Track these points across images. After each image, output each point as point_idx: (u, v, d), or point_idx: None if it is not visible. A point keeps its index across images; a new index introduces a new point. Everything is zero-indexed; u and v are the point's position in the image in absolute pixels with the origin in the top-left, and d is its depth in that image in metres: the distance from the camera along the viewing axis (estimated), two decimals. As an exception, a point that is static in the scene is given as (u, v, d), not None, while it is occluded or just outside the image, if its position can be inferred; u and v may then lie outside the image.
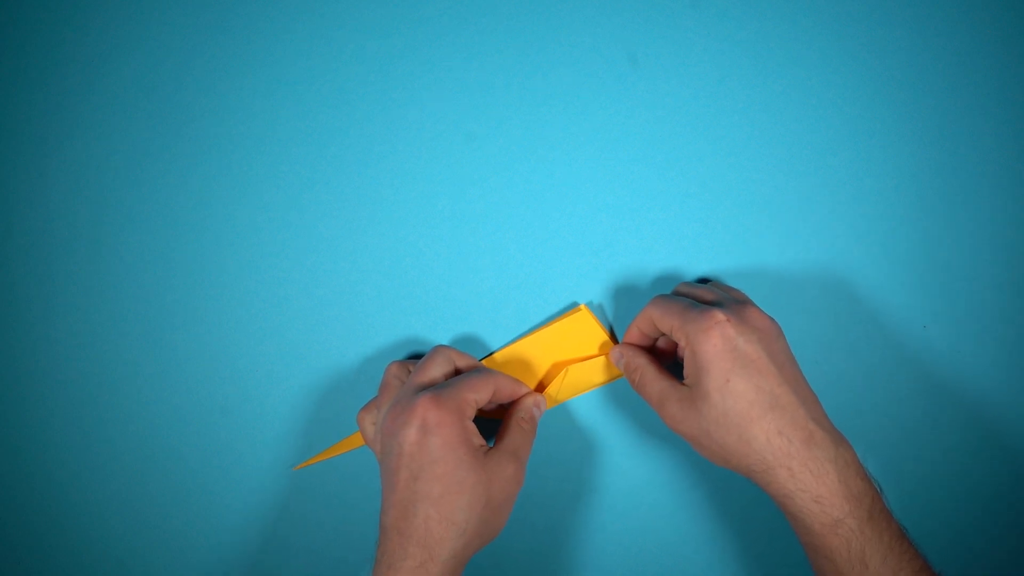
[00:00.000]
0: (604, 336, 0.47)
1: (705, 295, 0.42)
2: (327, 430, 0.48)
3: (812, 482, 0.36)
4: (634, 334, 0.45)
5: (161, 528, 0.48)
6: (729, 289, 0.45)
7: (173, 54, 0.48)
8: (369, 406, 0.44)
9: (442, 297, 0.48)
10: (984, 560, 0.47)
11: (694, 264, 0.48)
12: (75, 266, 0.48)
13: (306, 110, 0.48)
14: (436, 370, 0.42)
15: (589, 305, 0.47)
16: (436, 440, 0.38)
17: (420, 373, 0.42)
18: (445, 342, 0.48)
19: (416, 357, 0.48)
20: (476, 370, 0.43)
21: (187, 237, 0.48)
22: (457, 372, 0.44)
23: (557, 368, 0.47)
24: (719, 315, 0.38)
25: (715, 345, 0.38)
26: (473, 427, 0.40)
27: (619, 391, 0.48)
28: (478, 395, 0.41)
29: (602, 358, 0.47)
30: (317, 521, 0.48)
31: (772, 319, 0.40)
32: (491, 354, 0.48)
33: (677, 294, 0.44)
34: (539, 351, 0.47)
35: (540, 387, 0.47)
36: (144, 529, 0.48)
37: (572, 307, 0.47)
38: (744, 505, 0.47)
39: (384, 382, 0.44)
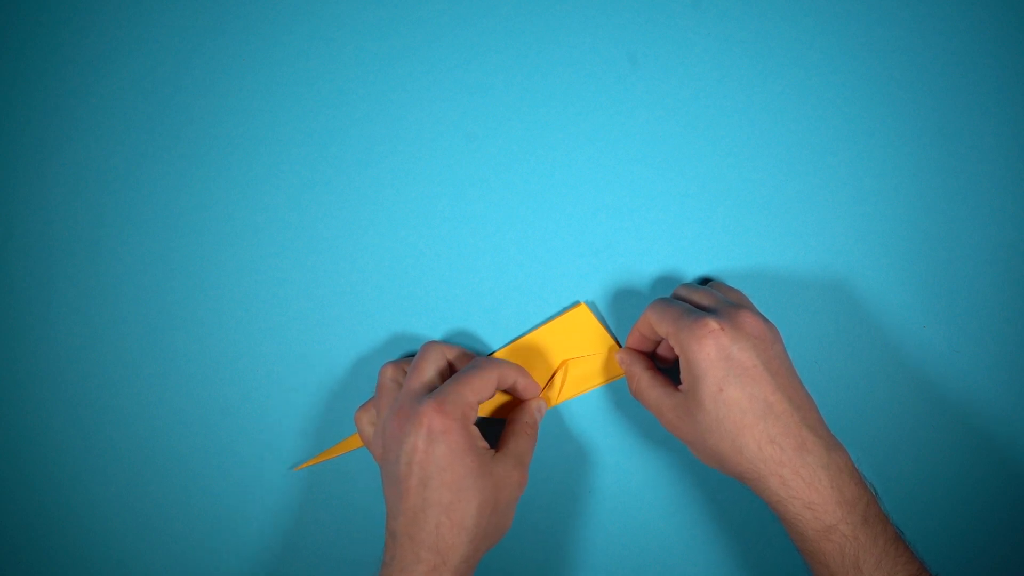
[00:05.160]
0: (603, 334, 0.47)
1: (702, 299, 0.42)
2: (328, 430, 0.48)
3: (804, 489, 0.36)
4: (636, 338, 0.45)
5: (161, 529, 0.48)
6: (728, 291, 0.45)
7: (172, 55, 0.48)
8: (367, 406, 0.44)
9: (442, 297, 0.48)
10: (983, 561, 0.47)
11: (694, 264, 0.48)
12: (75, 266, 0.48)
13: (306, 111, 0.48)
14: (431, 370, 0.42)
15: (589, 305, 0.47)
16: (442, 448, 0.38)
17: (415, 375, 0.42)
18: (446, 342, 0.48)
19: (410, 356, 0.48)
20: (475, 365, 0.42)
21: (187, 238, 0.48)
22: (450, 366, 0.44)
23: (557, 367, 0.47)
24: (712, 323, 0.38)
25: (708, 354, 0.38)
26: (476, 431, 0.40)
27: (618, 393, 0.48)
28: (481, 394, 0.41)
29: (602, 357, 0.47)
30: (318, 522, 0.48)
31: (768, 324, 0.40)
32: (488, 355, 0.48)
33: (676, 297, 0.44)
34: (538, 349, 0.47)
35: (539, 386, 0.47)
36: (144, 530, 0.48)
37: (572, 306, 0.47)
38: (743, 507, 0.47)
39: (380, 384, 0.44)
